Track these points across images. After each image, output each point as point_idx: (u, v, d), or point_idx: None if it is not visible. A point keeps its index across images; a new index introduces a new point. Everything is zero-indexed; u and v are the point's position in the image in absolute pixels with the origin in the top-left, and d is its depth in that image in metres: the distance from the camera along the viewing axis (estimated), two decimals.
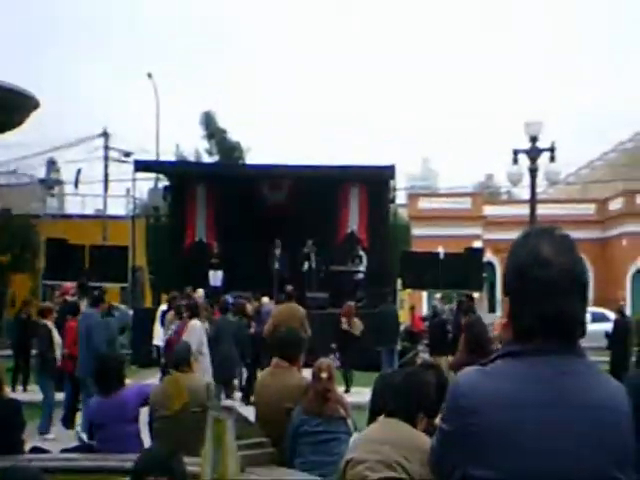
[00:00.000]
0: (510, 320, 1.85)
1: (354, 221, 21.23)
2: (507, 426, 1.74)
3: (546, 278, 1.79)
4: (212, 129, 35.45)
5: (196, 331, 10.81)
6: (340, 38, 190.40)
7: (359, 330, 14.91)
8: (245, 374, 14.00)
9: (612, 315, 21.23)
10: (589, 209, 43.46)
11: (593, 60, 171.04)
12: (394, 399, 3.94)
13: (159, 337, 14.21)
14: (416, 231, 35.46)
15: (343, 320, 14.93)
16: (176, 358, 6.64)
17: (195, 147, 36.51)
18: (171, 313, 13.06)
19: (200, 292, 16.03)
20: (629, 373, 5.11)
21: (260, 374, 6.28)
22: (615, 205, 42.23)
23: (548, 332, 1.79)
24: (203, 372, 10.08)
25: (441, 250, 22.78)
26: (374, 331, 15.55)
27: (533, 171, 15.98)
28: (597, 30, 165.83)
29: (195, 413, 5.90)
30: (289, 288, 14.16)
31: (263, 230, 20.10)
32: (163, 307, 15.07)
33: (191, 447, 5.59)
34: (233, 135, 36.37)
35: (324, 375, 5.42)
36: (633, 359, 14.73)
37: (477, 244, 31.92)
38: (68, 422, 11.01)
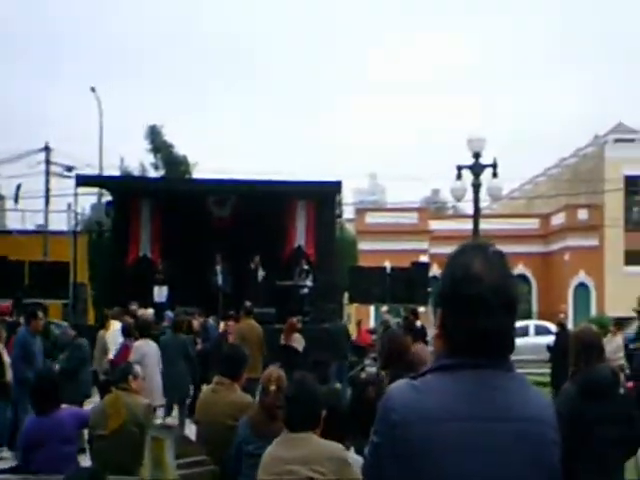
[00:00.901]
0: (442, 333, 1.89)
1: (301, 236, 21.20)
2: (435, 439, 1.77)
3: (476, 294, 1.82)
4: (158, 143, 35.17)
5: (147, 350, 10.58)
6: (286, 52, 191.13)
7: (300, 345, 14.83)
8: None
9: (554, 328, 21.54)
10: (533, 224, 44.21)
11: (540, 75, 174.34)
12: (288, 412, 3.91)
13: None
14: (363, 246, 35.64)
15: (282, 336, 14.86)
16: (116, 377, 6.53)
17: (140, 161, 36.18)
18: (103, 332, 12.80)
19: (150, 311, 15.77)
20: (564, 386, 5.18)
21: (202, 391, 6.19)
22: (558, 220, 43.00)
23: (477, 347, 1.82)
24: (153, 392, 9.88)
25: (388, 264, 22.91)
26: (325, 346, 15.52)
27: (476, 186, 16.23)
28: (537, 48, 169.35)
29: (133, 432, 5.80)
30: (247, 304, 13.94)
31: (209, 245, 19.95)
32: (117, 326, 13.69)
33: (129, 467, 5.48)
34: (180, 149, 36.16)
35: (272, 387, 5.12)
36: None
37: (423, 258, 32.19)
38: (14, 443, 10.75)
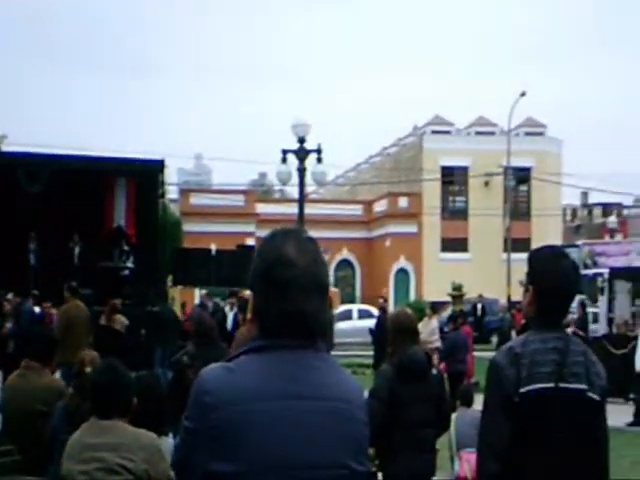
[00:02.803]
0: (255, 316, 1.91)
1: (121, 216, 20.41)
2: (247, 420, 1.79)
3: (288, 278, 1.85)
4: None
5: None
6: (110, 23, 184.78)
7: (120, 326, 14.41)
8: None
9: (377, 312, 22.23)
10: (356, 210, 45.45)
11: (361, 67, 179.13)
12: (95, 398, 3.81)
13: None
14: (188, 227, 35.17)
15: (103, 317, 14.37)
16: None
17: None
18: None
19: None
20: (381, 367, 5.44)
21: (9, 376, 5.83)
22: (380, 207, 44.44)
23: (289, 329, 1.86)
24: None
25: (213, 247, 22.74)
26: (149, 329, 15.20)
27: (301, 171, 16.37)
28: (364, 40, 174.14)
29: None
30: (73, 284, 13.19)
31: (19, 223, 18.79)
32: None
33: None
34: None
35: (88, 370, 4.94)
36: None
37: (250, 241, 32.22)
38: None
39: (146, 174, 20.27)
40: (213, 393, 1.80)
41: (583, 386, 2.85)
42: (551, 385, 2.82)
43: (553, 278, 2.92)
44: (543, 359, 2.84)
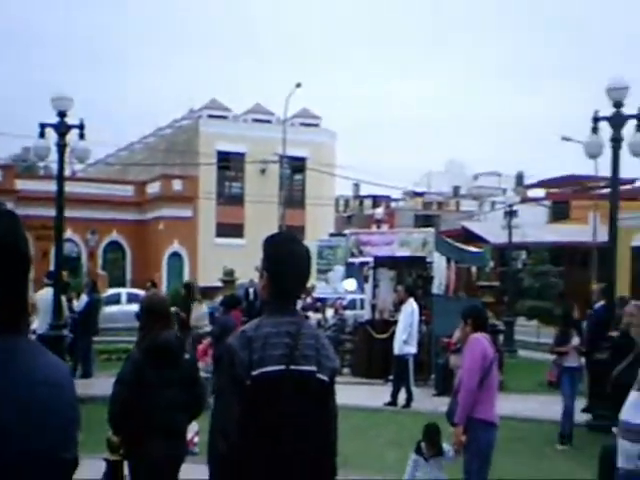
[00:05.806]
0: None
1: None
2: None
3: None
4: None
5: None
6: None
7: None
8: None
9: None
10: (127, 191, 43.91)
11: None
12: None
13: None
14: None
15: None
16: None
17: None
18: None
19: None
20: (131, 351, 5.35)
21: None
22: (153, 189, 43.32)
23: None
24: None
25: None
26: None
27: (61, 147, 15.23)
28: (145, 17, 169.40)
29: None
30: None
31: None
32: None
33: None
34: None
35: None
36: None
37: None
38: None
39: None
40: None
41: (313, 368, 2.97)
42: (282, 367, 2.90)
43: (285, 264, 3.03)
44: (275, 342, 2.92)
